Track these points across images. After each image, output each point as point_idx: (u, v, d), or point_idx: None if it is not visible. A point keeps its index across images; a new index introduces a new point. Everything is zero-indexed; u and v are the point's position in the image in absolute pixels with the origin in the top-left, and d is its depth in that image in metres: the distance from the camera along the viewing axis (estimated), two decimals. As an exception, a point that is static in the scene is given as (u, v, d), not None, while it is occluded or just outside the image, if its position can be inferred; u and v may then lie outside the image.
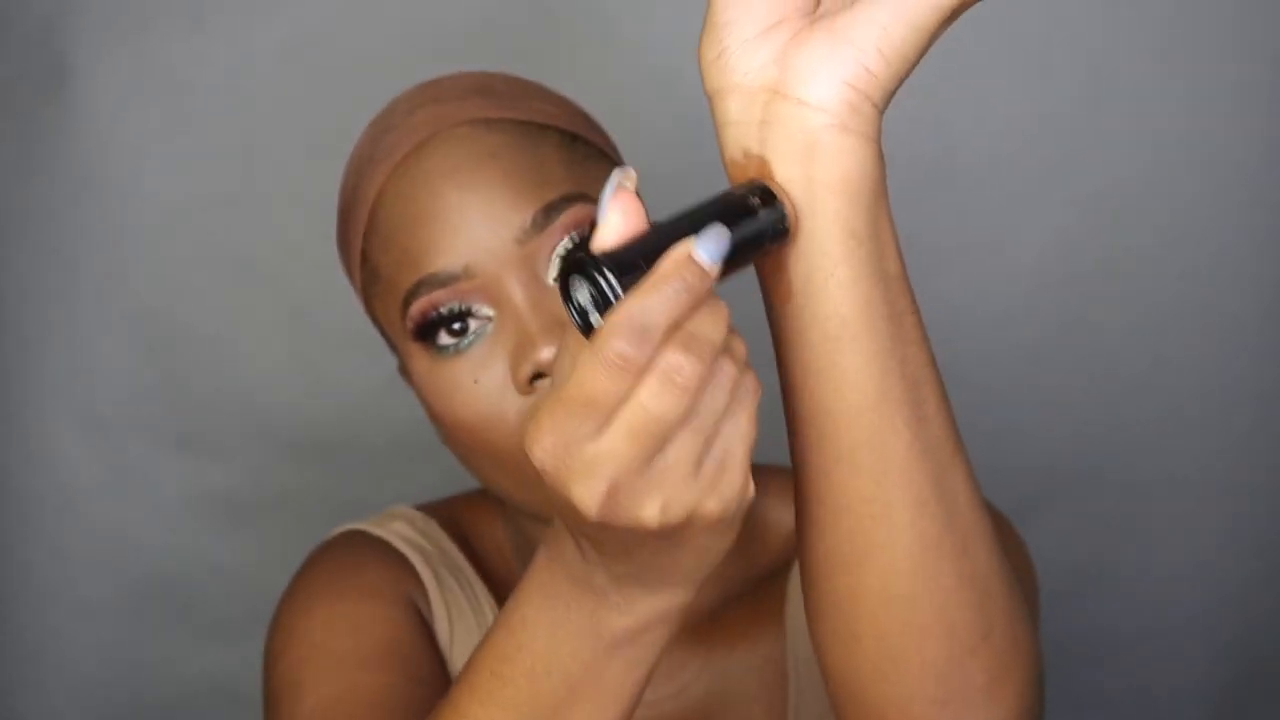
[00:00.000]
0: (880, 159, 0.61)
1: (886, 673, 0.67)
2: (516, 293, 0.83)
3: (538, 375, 0.82)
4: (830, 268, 0.61)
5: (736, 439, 0.58)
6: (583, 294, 0.58)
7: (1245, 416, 1.54)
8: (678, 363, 0.55)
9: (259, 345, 1.56)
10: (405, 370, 0.91)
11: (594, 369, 0.56)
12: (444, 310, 0.84)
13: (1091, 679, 1.57)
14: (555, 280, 0.56)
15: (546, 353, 0.81)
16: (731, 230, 0.58)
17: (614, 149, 0.95)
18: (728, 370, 0.57)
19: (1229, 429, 1.54)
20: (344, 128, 1.52)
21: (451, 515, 1.02)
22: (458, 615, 0.95)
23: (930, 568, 0.66)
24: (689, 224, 0.59)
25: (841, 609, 0.67)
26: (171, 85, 1.52)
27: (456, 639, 0.95)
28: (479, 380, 0.84)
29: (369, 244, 0.88)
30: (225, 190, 1.54)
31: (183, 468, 1.58)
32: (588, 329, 0.58)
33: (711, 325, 0.57)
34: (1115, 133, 1.50)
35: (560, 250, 0.84)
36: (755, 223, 0.59)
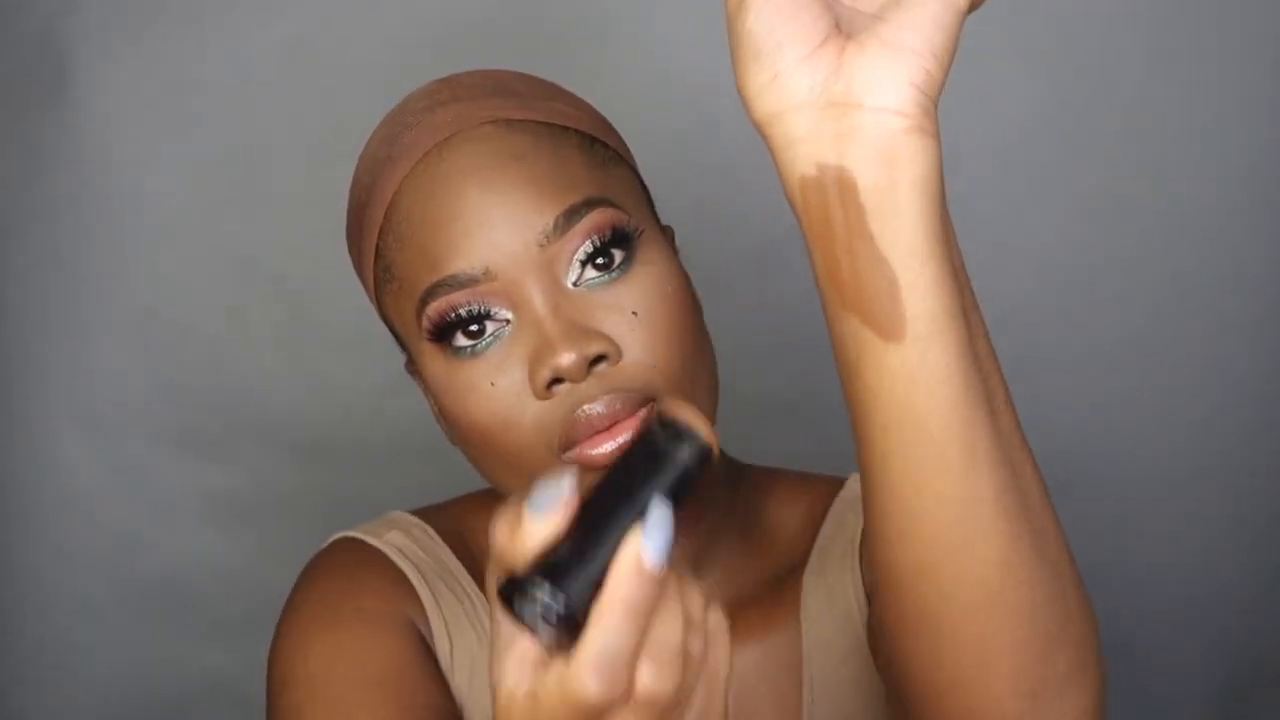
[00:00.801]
0: (942, 156, 0.63)
1: (978, 674, 0.68)
2: (536, 296, 0.83)
3: (555, 380, 0.82)
4: (919, 268, 0.62)
5: (716, 688, 0.62)
6: (530, 608, 0.59)
7: (1245, 416, 1.54)
8: (652, 687, 0.59)
9: (259, 345, 1.56)
10: (414, 368, 0.91)
11: (573, 708, 0.59)
12: (462, 312, 0.83)
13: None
14: (499, 594, 0.60)
15: (566, 358, 0.81)
16: (664, 494, 0.60)
17: (629, 151, 0.94)
18: (696, 650, 0.61)
19: (1229, 429, 1.54)
20: (344, 128, 1.53)
21: (451, 520, 1.01)
22: (457, 632, 0.94)
23: (1015, 559, 0.67)
24: (623, 500, 0.60)
25: (930, 617, 0.68)
26: (172, 86, 1.52)
27: (457, 657, 0.94)
28: (495, 383, 0.83)
29: (384, 241, 0.87)
30: (225, 191, 1.54)
31: (183, 468, 1.58)
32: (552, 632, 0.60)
33: (671, 628, 0.60)
34: (1116, 133, 1.50)
35: (577, 258, 0.83)
36: (678, 467, 0.60)
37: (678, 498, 0.60)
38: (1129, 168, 1.50)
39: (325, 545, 0.99)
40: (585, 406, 0.81)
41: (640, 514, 0.59)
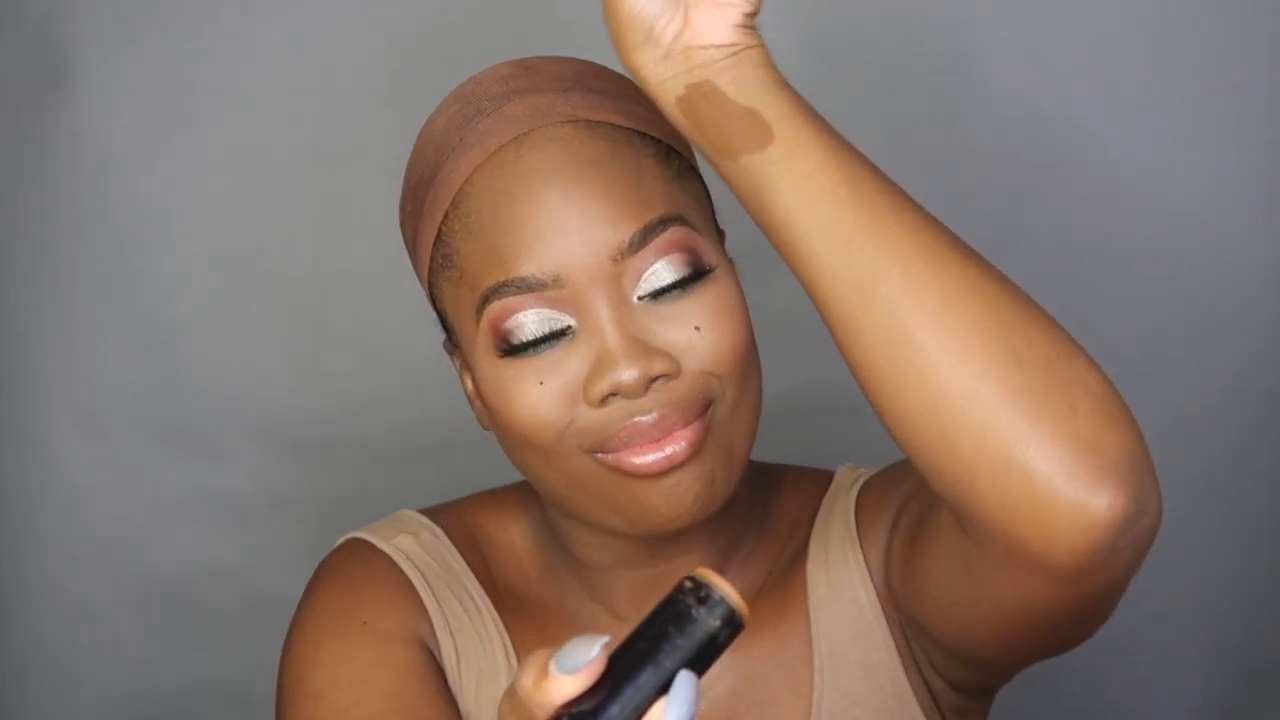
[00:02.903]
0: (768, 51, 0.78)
1: (1005, 459, 0.70)
2: (603, 310, 0.83)
3: (613, 394, 0.82)
4: (772, 97, 0.76)
5: None
6: None
7: (1245, 416, 1.54)
8: None
9: (259, 345, 1.56)
10: (454, 349, 0.91)
11: None
12: (527, 315, 0.83)
13: (1091, 680, 1.57)
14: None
15: (629, 375, 0.81)
16: (690, 663, 0.60)
17: (695, 155, 0.94)
18: None
19: (1229, 429, 1.54)
20: (343, 128, 1.53)
21: (460, 520, 1.01)
22: (463, 641, 0.94)
23: (973, 329, 0.71)
24: (649, 663, 0.60)
25: (930, 424, 0.71)
26: (171, 85, 1.52)
27: (464, 668, 0.94)
28: (545, 382, 0.83)
29: (448, 228, 0.86)
30: (225, 191, 1.54)
31: (183, 468, 1.58)
32: None
33: None
34: (1117, 132, 1.50)
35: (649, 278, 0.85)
36: (708, 637, 0.60)
37: (702, 666, 0.60)
38: (1130, 167, 1.50)
39: (336, 547, 0.99)
40: (637, 418, 0.82)
41: (666, 682, 0.59)
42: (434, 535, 0.98)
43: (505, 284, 0.83)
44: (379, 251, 1.53)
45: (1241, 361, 1.53)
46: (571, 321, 0.83)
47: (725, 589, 0.60)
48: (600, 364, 0.82)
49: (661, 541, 0.91)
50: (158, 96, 1.52)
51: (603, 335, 0.83)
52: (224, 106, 1.53)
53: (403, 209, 0.93)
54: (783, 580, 0.95)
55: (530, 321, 0.83)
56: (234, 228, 1.54)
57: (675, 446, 0.83)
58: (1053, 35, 1.49)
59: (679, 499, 0.84)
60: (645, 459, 0.83)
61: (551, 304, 0.83)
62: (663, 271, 0.84)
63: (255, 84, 1.52)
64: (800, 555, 0.95)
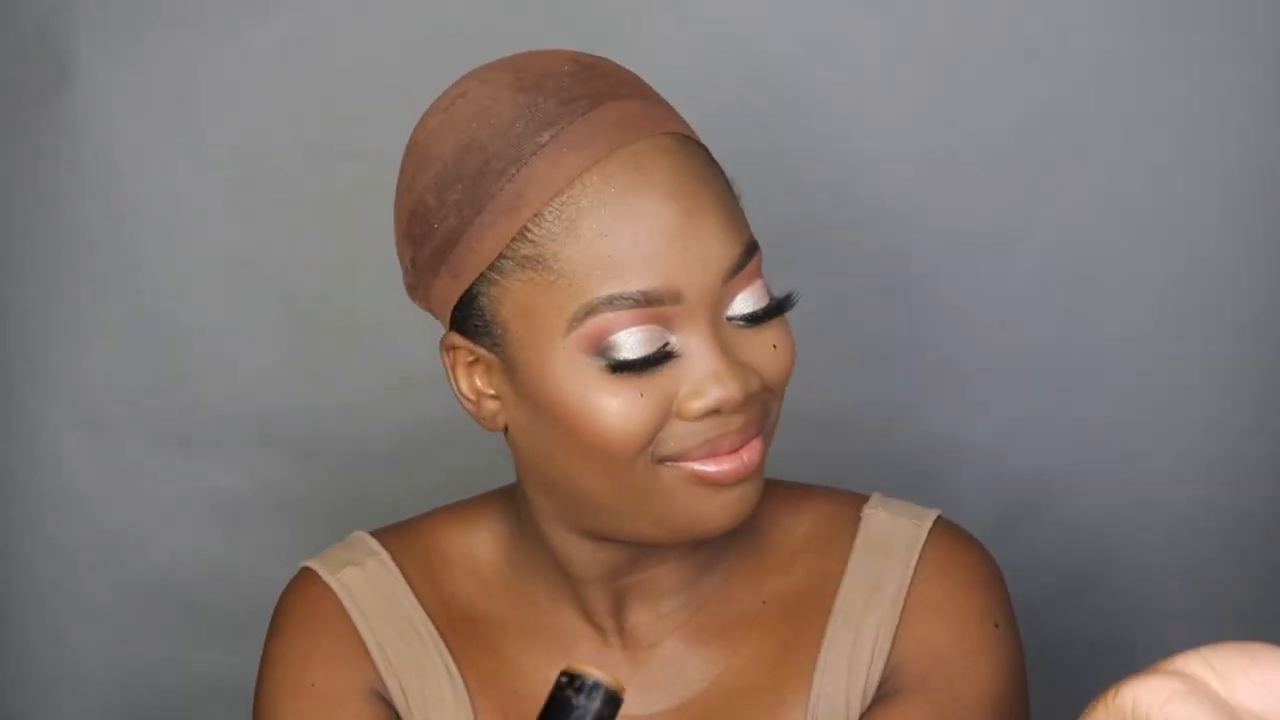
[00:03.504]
0: None
1: None
2: (706, 328, 0.84)
3: (715, 411, 0.84)
4: None
5: None
6: None
7: (1245, 416, 1.54)
8: None
9: (259, 345, 1.57)
10: (457, 345, 0.89)
11: None
12: (633, 332, 0.83)
13: (1091, 681, 1.57)
14: None
15: (735, 392, 0.83)
16: None
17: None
18: None
19: (1229, 429, 1.54)
20: (344, 128, 1.53)
21: (419, 539, 1.02)
22: (406, 678, 0.98)
23: None
24: None
25: None
26: (171, 85, 1.52)
27: (411, 700, 0.97)
28: (645, 395, 0.84)
29: (543, 229, 0.83)
30: (225, 190, 1.54)
31: (183, 468, 1.58)
32: None
33: None
34: (1116, 132, 1.50)
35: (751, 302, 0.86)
36: (591, 714, 0.66)
37: None
38: (1130, 167, 1.50)
39: (292, 578, 1.02)
40: (728, 429, 0.85)
41: None
42: (380, 564, 1.01)
43: (620, 296, 0.82)
44: (379, 251, 1.53)
45: (1242, 361, 1.53)
46: (673, 339, 0.84)
47: (597, 674, 0.66)
48: (704, 381, 0.84)
49: (643, 554, 0.93)
50: (158, 96, 1.52)
51: (706, 353, 0.84)
52: (224, 106, 1.53)
53: (436, 195, 0.87)
54: (792, 617, 0.96)
55: (635, 338, 0.83)
56: (234, 228, 1.54)
57: (752, 456, 0.86)
58: (1052, 35, 1.49)
59: (735, 506, 0.87)
60: (723, 467, 0.85)
61: (658, 320, 0.83)
62: (748, 298, 0.86)
63: (255, 84, 1.52)
64: (815, 600, 0.97)
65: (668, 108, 0.89)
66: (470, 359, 0.89)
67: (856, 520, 0.99)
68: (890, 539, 0.97)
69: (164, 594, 1.60)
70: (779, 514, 0.99)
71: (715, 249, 0.83)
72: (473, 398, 0.90)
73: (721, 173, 0.88)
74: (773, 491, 0.99)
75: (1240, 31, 1.48)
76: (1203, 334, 1.52)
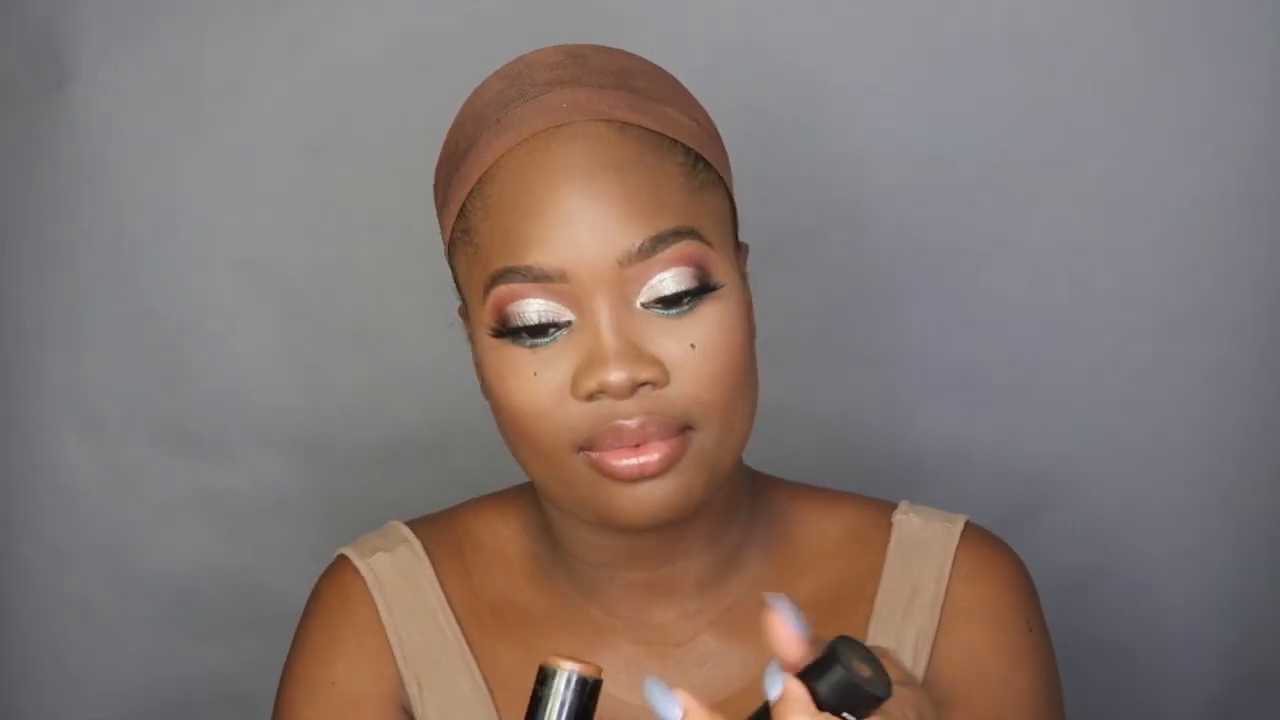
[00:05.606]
0: None
1: None
2: (603, 309, 0.84)
3: (600, 392, 0.84)
4: None
5: None
6: None
7: (1245, 417, 1.54)
8: None
9: (259, 345, 1.56)
10: (465, 317, 0.93)
11: None
12: (528, 305, 0.85)
13: (1092, 680, 1.57)
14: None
15: (616, 377, 0.83)
16: None
17: (728, 166, 0.95)
18: None
19: (1229, 429, 1.54)
20: (344, 128, 1.53)
21: (451, 530, 1.03)
22: (423, 671, 0.98)
23: None
24: None
25: None
26: (171, 85, 1.52)
27: (425, 694, 0.97)
28: (539, 374, 0.85)
29: (471, 205, 0.89)
30: (225, 190, 1.54)
31: (183, 468, 1.58)
32: None
33: None
34: (1116, 132, 1.49)
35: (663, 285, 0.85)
36: (560, 702, 0.70)
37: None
38: (1129, 167, 1.50)
39: (327, 567, 1.02)
40: (620, 420, 0.84)
41: None
42: (410, 551, 1.01)
43: (513, 269, 0.85)
44: (379, 251, 1.54)
45: (1242, 362, 1.53)
46: (571, 317, 0.85)
47: (571, 664, 0.70)
48: (591, 362, 0.84)
49: (656, 546, 0.92)
50: (158, 96, 1.52)
51: (598, 335, 0.84)
52: (224, 106, 1.53)
53: (437, 173, 0.94)
54: (829, 618, 0.95)
55: (531, 310, 0.85)
56: (234, 228, 1.54)
57: (649, 457, 0.85)
58: (1052, 35, 1.49)
59: (647, 506, 0.86)
60: (621, 463, 0.85)
61: (554, 297, 0.85)
62: (668, 282, 0.85)
63: (255, 84, 1.52)
64: (858, 603, 0.97)
65: (629, 95, 0.89)
66: (466, 332, 0.93)
67: (888, 525, 0.99)
68: (924, 543, 0.98)
69: (164, 594, 1.60)
70: (811, 516, 1.00)
71: (610, 232, 0.84)
72: (475, 369, 0.93)
73: (669, 162, 0.87)
74: (804, 496, 1.00)
75: (1240, 31, 1.47)
76: (1203, 334, 1.52)
